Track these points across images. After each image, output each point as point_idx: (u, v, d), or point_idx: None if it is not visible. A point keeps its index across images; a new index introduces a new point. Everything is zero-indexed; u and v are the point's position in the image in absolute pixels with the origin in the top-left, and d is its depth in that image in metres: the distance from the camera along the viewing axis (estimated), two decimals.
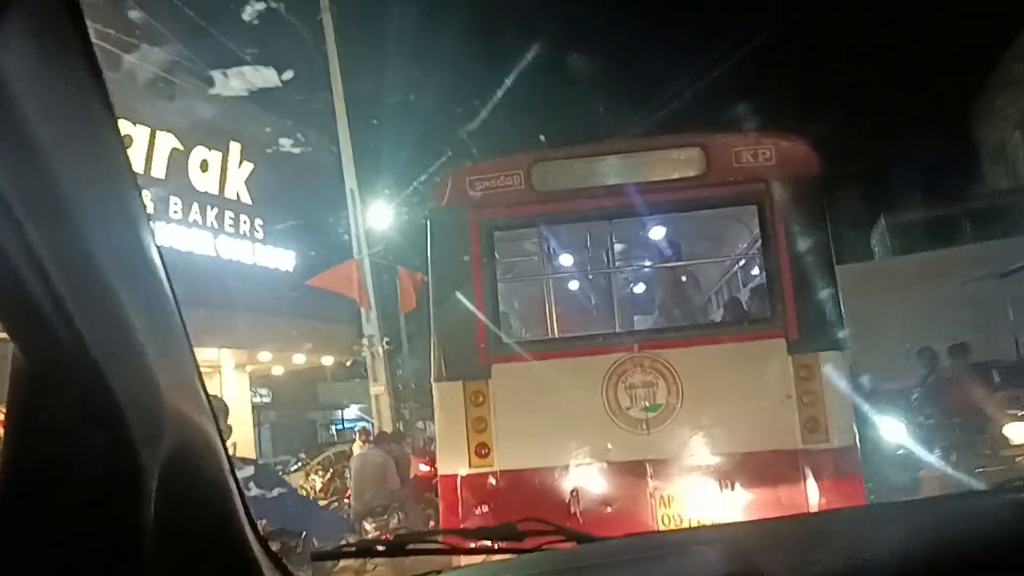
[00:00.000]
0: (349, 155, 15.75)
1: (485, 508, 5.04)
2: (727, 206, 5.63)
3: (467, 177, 5.44)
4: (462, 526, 4.86)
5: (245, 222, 18.00)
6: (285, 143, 18.42)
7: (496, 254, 5.60)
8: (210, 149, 17.07)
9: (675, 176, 5.34)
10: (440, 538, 1.84)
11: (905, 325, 13.31)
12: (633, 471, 4.97)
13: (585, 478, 4.98)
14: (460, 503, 5.08)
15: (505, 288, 6.17)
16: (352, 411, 30.06)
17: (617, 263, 6.76)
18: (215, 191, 17.27)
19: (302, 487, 14.59)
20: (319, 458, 17.72)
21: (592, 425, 5.07)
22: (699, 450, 4.95)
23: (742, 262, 6.62)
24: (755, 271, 6.12)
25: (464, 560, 2.15)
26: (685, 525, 4.86)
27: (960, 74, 31.46)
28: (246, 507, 1.29)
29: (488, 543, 1.88)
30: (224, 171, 17.46)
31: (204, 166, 16.95)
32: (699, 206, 5.58)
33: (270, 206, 18.35)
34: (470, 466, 5.10)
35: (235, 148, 17.79)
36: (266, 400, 25.45)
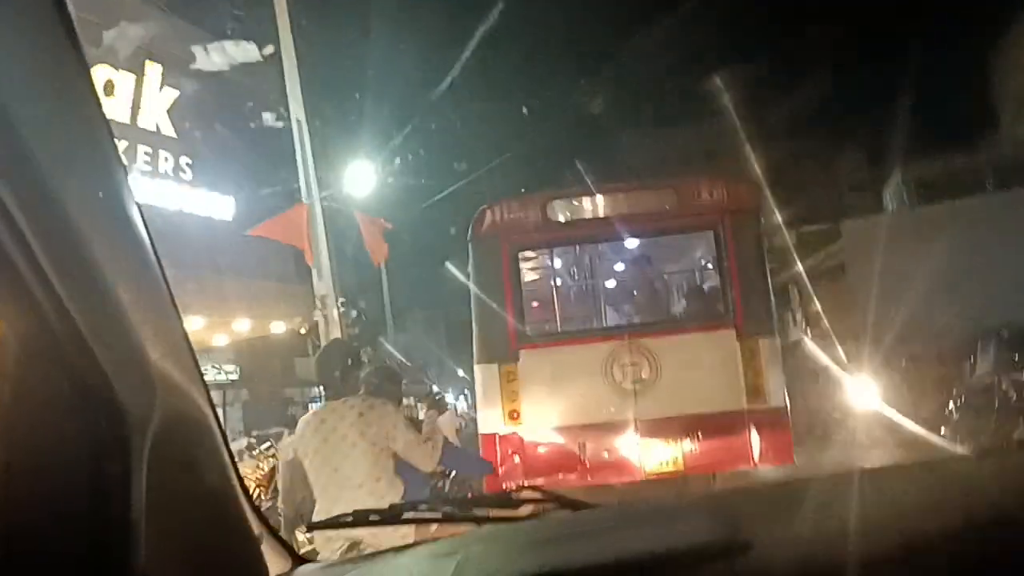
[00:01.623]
0: (295, 79, 13.08)
1: (517, 458, 6.69)
2: (691, 231, 7.74)
3: (498, 211, 7.23)
4: (500, 471, 6.55)
5: (167, 159, 15.37)
6: (218, 64, 15.25)
7: (520, 268, 7.49)
8: (117, 69, 14.25)
9: (653, 210, 7.28)
10: (437, 507, 1.96)
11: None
12: (625, 427, 6.71)
13: (591, 433, 6.67)
14: (498, 454, 6.72)
15: (527, 293, 7.85)
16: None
17: (611, 274, 9.17)
18: (125, 119, 14.50)
19: (249, 477, 11.75)
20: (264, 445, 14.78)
21: (596, 394, 6.73)
22: (673, 411, 6.64)
23: (703, 272, 8.64)
24: (712, 279, 8.00)
25: (462, 528, 2.12)
26: (663, 463, 6.62)
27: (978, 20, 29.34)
28: (240, 479, 1.32)
29: (485, 511, 1.91)
30: (138, 96, 14.78)
31: (109, 89, 14.15)
32: (670, 231, 7.66)
33: (200, 141, 15.71)
34: (505, 426, 6.80)
35: (153, 70, 15.03)
36: (233, 377, 23.61)
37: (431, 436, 4.35)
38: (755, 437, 6.63)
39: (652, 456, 6.69)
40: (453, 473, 7.71)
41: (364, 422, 4.04)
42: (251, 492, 4.37)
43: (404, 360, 24.29)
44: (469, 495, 6.07)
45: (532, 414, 6.80)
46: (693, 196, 7.21)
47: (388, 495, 3.96)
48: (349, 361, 4.41)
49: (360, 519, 2.00)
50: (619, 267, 9.29)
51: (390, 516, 1.97)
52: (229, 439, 1.51)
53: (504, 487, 5.99)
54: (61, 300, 0.89)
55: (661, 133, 41.60)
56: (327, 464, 4.04)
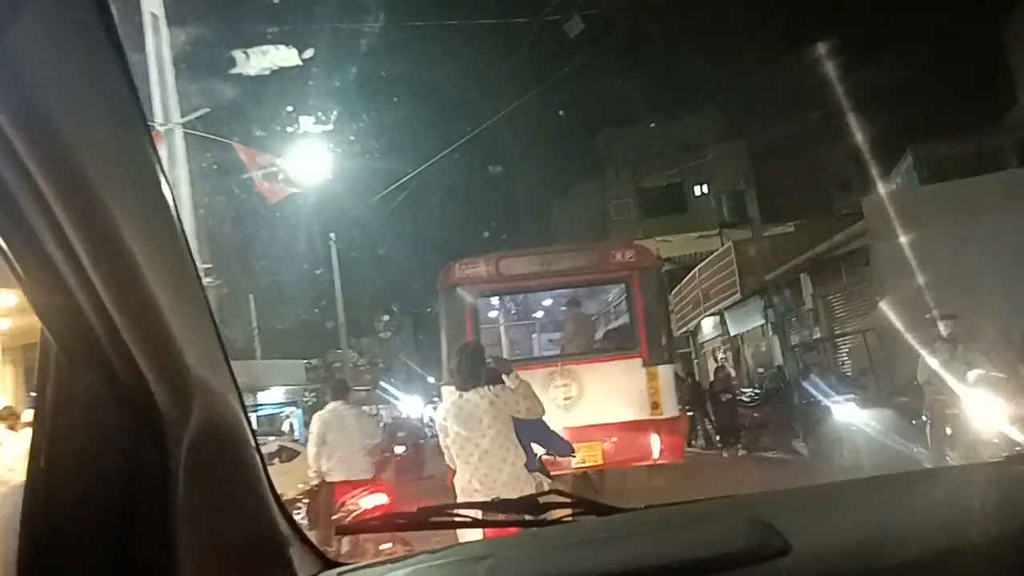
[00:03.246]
0: None
1: None
2: (609, 284, 10.17)
3: (461, 266, 9.11)
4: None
5: None
6: None
7: (478, 310, 9.42)
8: None
9: (580, 266, 9.30)
10: (463, 511, 1.90)
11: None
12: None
13: None
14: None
15: (484, 329, 9.97)
16: (276, 393, 25.38)
17: (548, 315, 12.03)
18: None
19: None
20: None
21: None
22: (594, 420, 8.28)
23: (618, 314, 10.74)
24: (625, 320, 9.81)
25: (485, 533, 2.31)
26: (587, 459, 8.10)
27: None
28: (271, 483, 1.33)
29: (514, 516, 1.95)
30: None
31: None
32: (593, 283, 10.05)
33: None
34: None
35: None
36: None
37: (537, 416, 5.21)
38: (655, 439, 8.45)
39: (579, 454, 7.64)
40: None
41: (494, 406, 4.84)
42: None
43: None
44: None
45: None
46: (611, 256, 9.19)
47: (514, 457, 4.86)
48: (479, 359, 5.21)
49: (389, 523, 2.03)
50: (554, 310, 11.42)
51: (418, 520, 1.84)
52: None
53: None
54: (103, 306, 0.92)
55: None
56: (468, 440, 4.82)
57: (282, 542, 1.34)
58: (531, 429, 5.32)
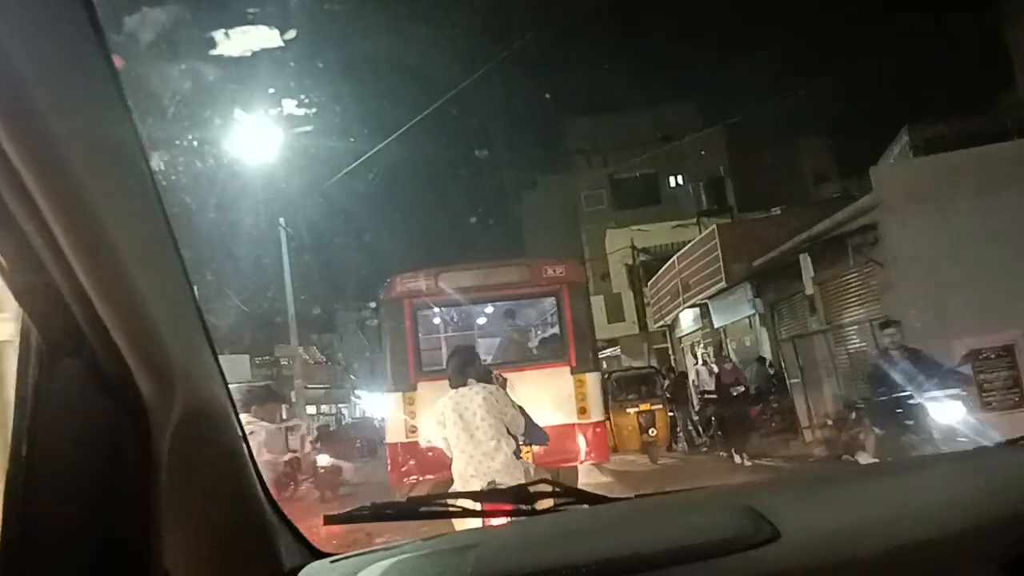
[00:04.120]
0: None
1: (412, 461, 8.78)
2: (540, 297, 10.43)
3: (402, 280, 9.63)
4: (401, 470, 8.90)
5: None
6: None
7: (419, 322, 9.89)
8: None
9: (514, 280, 9.83)
10: (454, 501, 1.91)
11: None
12: None
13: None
14: (400, 458, 8.97)
15: (424, 340, 10.36)
16: None
17: (484, 325, 12.15)
18: None
19: None
20: None
21: None
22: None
23: (548, 325, 10.94)
24: (555, 330, 10.21)
25: (479, 522, 2.28)
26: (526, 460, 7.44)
27: None
28: (258, 471, 1.33)
29: (502, 506, 1.95)
30: None
31: None
32: (526, 296, 10.37)
33: None
34: (405, 437, 8.98)
35: None
36: None
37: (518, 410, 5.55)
38: (582, 441, 9.11)
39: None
40: None
41: (487, 403, 5.31)
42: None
43: None
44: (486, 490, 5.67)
45: (425, 430, 7.83)
46: (542, 271, 9.78)
47: (505, 447, 5.26)
48: (472, 360, 5.74)
49: (377, 513, 1.88)
50: (491, 321, 11.74)
51: (407, 510, 1.91)
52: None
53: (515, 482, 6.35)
54: (85, 293, 0.92)
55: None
56: (465, 431, 5.26)
57: (269, 531, 1.33)
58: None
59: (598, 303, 30.67)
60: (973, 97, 22.65)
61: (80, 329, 0.94)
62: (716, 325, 20.28)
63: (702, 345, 23.01)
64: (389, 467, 9.20)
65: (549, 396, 8.65)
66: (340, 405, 44.92)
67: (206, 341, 1.20)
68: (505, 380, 5.94)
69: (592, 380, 9.30)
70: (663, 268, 23.50)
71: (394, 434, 9.20)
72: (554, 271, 9.61)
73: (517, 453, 5.44)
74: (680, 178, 36.56)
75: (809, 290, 12.77)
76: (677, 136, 34.14)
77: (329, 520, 1.82)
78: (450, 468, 5.47)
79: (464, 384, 5.44)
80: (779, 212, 20.35)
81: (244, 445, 1.29)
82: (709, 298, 19.38)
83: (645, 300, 27.90)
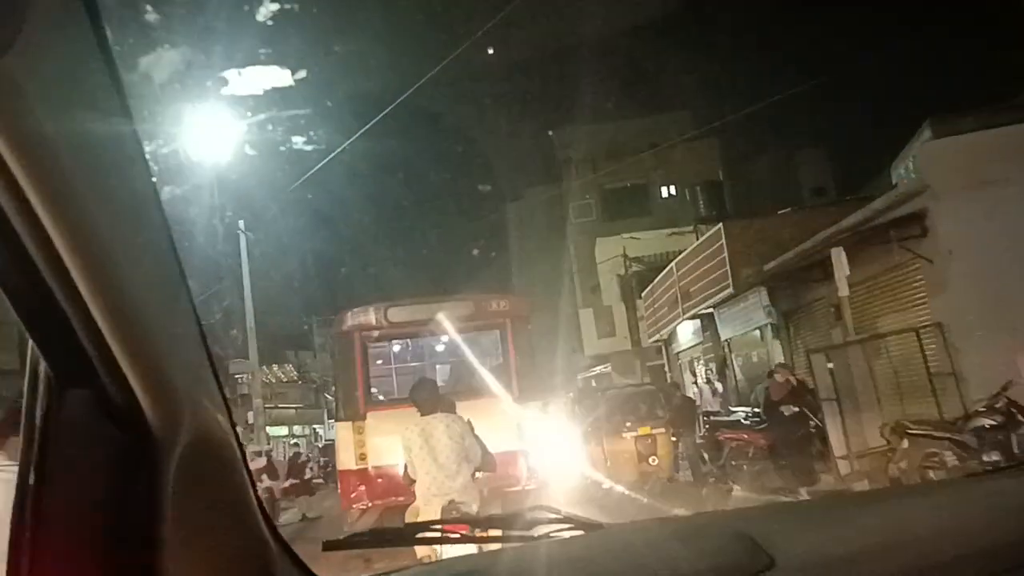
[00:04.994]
0: None
1: (363, 487, 9.22)
2: (485, 331, 10.68)
3: (353, 314, 10.05)
4: (353, 496, 9.28)
5: None
6: None
7: (368, 354, 10.24)
8: None
9: (460, 314, 10.01)
10: (449, 527, 1.97)
11: None
12: None
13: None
14: (352, 483, 9.33)
15: (373, 372, 10.74)
16: None
17: (432, 358, 12.36)
18: None
19: None
20: None
21: None
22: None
23: (494, 357, 11.06)
24: (500, 362, 10.68)
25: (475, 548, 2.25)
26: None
27: None
28: (259, 501, 1.32)
29: (500, 531, 1.92)
30: None
31: None
32: (472, 330, 10.41)
33: None
34: (355, 465, 9.42)
35: None
36: None
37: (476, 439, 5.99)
38: (525, 466, 9.45)
39: None
40: None
41: (450, 430, 5.79)
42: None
43: None
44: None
45: (374, 456, 9.14)
46: (488, 306, 10.25)
47: (466, 471, 5.74)
48: (436, 391, 6.34)
49: (376, 538, 1.97)
50: (438, 353, 12.31)
51: (406, 536, 1.96)
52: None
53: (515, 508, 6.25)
54: (93, 322, 0.91)
55: None
56: (429, 455, 5.73)
57: (271, 560, 1.34)
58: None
59: (587, 316, 28.56)
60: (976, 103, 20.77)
61: (88, 359, 0.93)
62: (722, 337, 18.17)
63: (702, 361, 20.88)
64: (340, 493, 9.74)
65: (494, 424, 8.71)
66: (315, 426, 42.53)
67: (210, 369, 1.20)
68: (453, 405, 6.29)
69: (534, 409, 9.85)
70: (659, 277, 21.41)
71: (345, 461, 9.63)
72: (499, 306, 10.19)
73: (474, 476, 5.93)
74: (672, 188, 34.83)
75: (843, 291, 10.66)
76: (669, 146, 32.53)
77: (328, 546, 1.74)
78: (399, 495, 6.05)
79: (432, 412, 5.91)
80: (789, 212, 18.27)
81: (246, 473, 1.27)
82: (714, 307, 17.25)
83: (638, 313, 25.78)
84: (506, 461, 8.40)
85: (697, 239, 22.02)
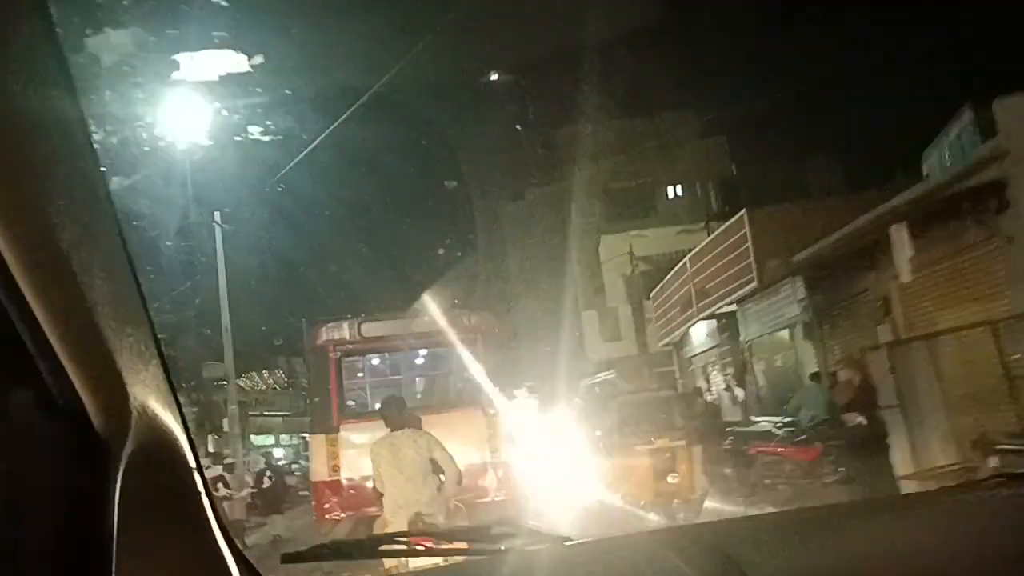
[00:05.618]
0: None
1: (336, 499, 9.33)
2: (456, 344, 10.13)
3: (327, 329, 9.99)
4: (326, 507, 9.31)
5: None
6: None
7: (342, 368, 10.19)
8: None
9: (430, 329, 10.10)
10: (413, 539, 1.95)
11: None
12: None
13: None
14: (325, 494, 9.45)
15: (347, 385, 10.64)
16: None
17: (405, 371, 11.94)
18: None
19: None
20: None
21: None
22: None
23: (465, 372, 10.55)
24: (471, 375, 10.21)
25: (439, 561, 2.16)
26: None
27: None
28: (214, 505, 1.30)
29: (462, 544, 1.89)
30: None
31: None
32: (442, 344, 10.37)
33: None
34: (328, 476, 9.45)
35: None
36: None
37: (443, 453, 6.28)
38: (494, 478, 9.51)
39: None
40: None
41: (417, 445, 6.11)
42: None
43: None
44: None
45: (347, 467, 9.28)
46: (458, 320, 10.22)
47: (432, 484, 6.08)
48: (404, 408, 6.65)
49: (338, 551, 1.88)
50: (411, 367, 12.05)
51: (367, 549, 1.89)
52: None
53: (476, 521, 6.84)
54: (37, 321, 0.88)
55: None
56: (397, 470, 6.06)
57: (226, 571, 1.29)
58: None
59: (591, 319, 26.73)
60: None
61: (29, 356, 0.90)
62: (743, 338, 16.35)
63: (718, 366, 19.05)
64: (314, 504, 9.81)
65: (464, 436, 9.03)
66: (304, 435, 40.68)
67: (163, 372, 1.15)
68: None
69: (503, 421, 9.94)
70: (671, 274, 19.61)
71: (319, 473, 9.72)
72: (469, 321, 10.36)
73: (440, 489, 6.17)
74: (679, 188, 33.11)
75: (905, 276, 8.86)
76: (676, 144, 30.93)
77: (287, 559, 1.73)
78: (371, 506, 6.64)
79: (400, 428, 6.24)
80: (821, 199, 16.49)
81: (200, 479, 1.24)
82: (740, 301, 15.42)
83: (646, 315, 23.97)
84: (476, 473, 9.01)
85: (709, 236, 20.30)
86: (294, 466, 30.54)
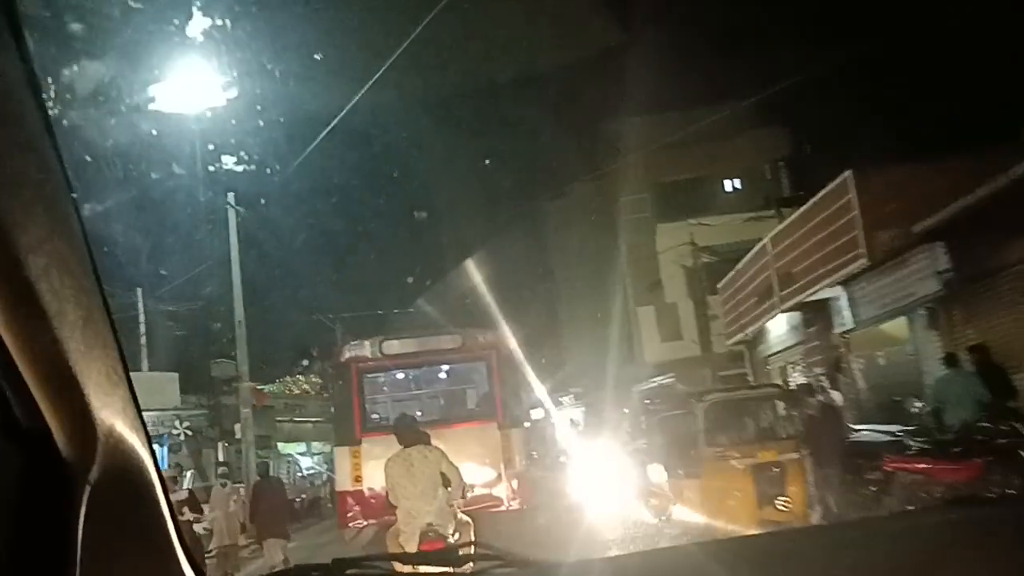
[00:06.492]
0: None
1: (358, 507, 9.93)
2: (472, 362, 11.49)
3: (349, 348, 11.07)
4: (350, 515, 9.99)
5: None
6: None
7: (364, 384, 10.97)
8: None
9: (448, 348, 11.01)
10: (383, 563, 1.87)
11: None
12: None
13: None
14: (349, 503, 10.11)
15: (368, 400, 11.37)
16: None
17: (423, 387, 12.91)
18: None
19: None
20: None
21: None
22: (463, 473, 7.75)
23: (480, 387, 11.79)
24: (485, 391, 11.36)
25: None
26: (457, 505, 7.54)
27: None
28: (180, 533, 1.29)
29: (433, 568, 1.91)
30: None
31: None
32: (459, 361, 11.60)
33: None
34: (352, 487, 10.12)
35: None
36: None
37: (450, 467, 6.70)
38: (507, 488, 10.08)
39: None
40: None
41: (427, 460, 6.53)
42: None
43: None
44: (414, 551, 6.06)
45: (369, 478, 9.68)
46: (473, 339, 11.01)
47: (441, 497, 6.50)
48: (414, 425, 7.09)
49: (304, 574, 1.84)
50: (429, 383, 12.87)
51: (334, 571, 1.74)
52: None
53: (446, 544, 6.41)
54: (3, 344, 0.87)
55: None
56: (411, 483, 6.47)
57: None
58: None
59: (647, 316, 24.11)
60: None
61: None
62: (839, 329, 13.64)
63: (803, 366, 16.30)
64: (338, 513, 10.58)
65: (479, 448, 9.76)
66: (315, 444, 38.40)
67: (130, 394, 1.12)
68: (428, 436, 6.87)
69: (517, 434, 10.58)
70: (745, 260, 16.97)
71: (342, 483, 10.44)
72: (484, 339, 11.06)
73: (449, 500, 6.57)
74: (737, 182, 30.39)
75: None
76: (732, 135, 28.22)
77: None
78: (389, 514, 6.85)
79: (411, 444, 6.65)
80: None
81: (166, 505, 1.21)
82: (846, 282, 12.72)
83: (710, 312, 21.32)
84: (489, 483, 9.76)
85: (780, 222, 17.66)
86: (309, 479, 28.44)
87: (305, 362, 37.48)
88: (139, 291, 20.85)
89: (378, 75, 11.75)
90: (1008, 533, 1.44)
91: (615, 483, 12.69)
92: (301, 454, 35.12)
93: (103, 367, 1.04)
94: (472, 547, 1.88)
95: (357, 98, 14.85)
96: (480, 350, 10.83)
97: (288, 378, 36.53)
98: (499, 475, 9.94)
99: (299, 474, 29.43)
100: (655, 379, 23.96)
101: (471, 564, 1.74)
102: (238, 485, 13.49)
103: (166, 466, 16.73)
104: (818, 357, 15.24)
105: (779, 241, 14.83)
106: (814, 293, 13.72)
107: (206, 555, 9.86)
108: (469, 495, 8.07)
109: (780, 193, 24.11)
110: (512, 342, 11.62)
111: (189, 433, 16.84)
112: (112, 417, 1.04)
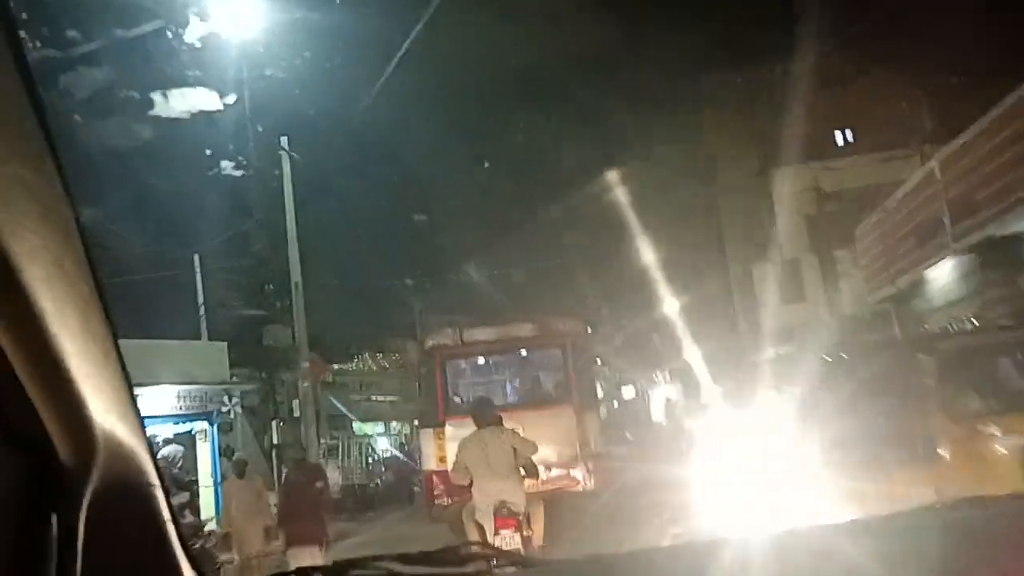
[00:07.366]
0: None
1: (443, 486, 10.14)
2: (548, 348, 12.09)
3: (435, 337, 11.82)
4: (436, 493, 10.59)
5: None
6: None
7: (447, 370, 11.83)
8: None
9: (526, 335, 11.68)
10: (383, 563, 1.81)
11: None
12: None
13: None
14: (435, 481, 10.63)
15: (451, 385, 12.21)
16: (166, 398, 15.48)
17: (501, 372, 13.92)
18: None
19: None
20: None
21: None
22: (541, 455, 8.28)
23: (556, 372, 12.38)
24: (561, 376, 11.93)
25: None
26: (531, 485, 7.98)
27: None
28: (183, 540, 1.26)
29: (432, 568, 1.84)
30: None
31: None
32: (536, 348, 12.28)
33: None
34: (436, 466, 10.69)
35: None
36: None
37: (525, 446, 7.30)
38: (583, 470, 10.43)
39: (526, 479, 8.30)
40: None
41: (501, 440, 7.04)
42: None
43: None
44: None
45: (452, 458, 8.89)
46: (550, 326, 11.66)
47: (515, 475, 7.04)
48: (491, 408, 7.74)
49: None
50: (507, 368, 13.88)
51: (334, 573, 1.78)
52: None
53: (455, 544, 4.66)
54: (2, 352, 0.85)
55: None
56: (485, 463, 6.98)
57: None
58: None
59: (765, 274, 20.99)
60: None
61: None
62: None
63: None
64: (425, 490, 11.42)
65: (555, 430, 10.23)
66: (416, 422, 36.39)
67: (130, 401, 1.10)
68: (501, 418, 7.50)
69: (591, 418, 11.09)
70: (900, 193, 13.80)
71: (428, 463, 11.10)
72: (561, 327, 11.69)
73: (521, 479, 7.08)
74: (849, 133, 26.91)
75: None
76: (843, 82, 24.74)
77: None
78: (464, 492, 7.36)
79: (486, 426, 7.21)
80: None
81: (167, 511, 1.20)
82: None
83: (839, 268, 18.13)
84: (564, 464, 10.39)
85: (922, 163, 14.37)
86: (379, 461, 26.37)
87: (383, 341, 35.67)
88: (196, 257, 19.07)
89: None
90: (1008, 533, 1.43)
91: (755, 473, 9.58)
92: (380, 434, 33.28)
93: (103, 373, 1.01)
94: (472, 547, 1.78)
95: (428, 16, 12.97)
96: (556, 337, 11.54)
97: (367, 354, 34.74)
98: (575, 456, 10.47)
99: (372, 457, 27.37)
100: (772, 350, 20.99)
101: (471, 564, 1.70)
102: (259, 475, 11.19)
103: (216, 449, 14.85)
104: (1003, 311, 12.02)
105: (955, 160, 11.66)
106: (1000, 226, 10.57)
107: (218, 568, 7.59)
108: (544, 475, 8.74)
109: (924, 130, 20.63)
110: (586, 330, 12.48)
111: (239, 411, 14.74)
112: (113, 423, 1.02)
